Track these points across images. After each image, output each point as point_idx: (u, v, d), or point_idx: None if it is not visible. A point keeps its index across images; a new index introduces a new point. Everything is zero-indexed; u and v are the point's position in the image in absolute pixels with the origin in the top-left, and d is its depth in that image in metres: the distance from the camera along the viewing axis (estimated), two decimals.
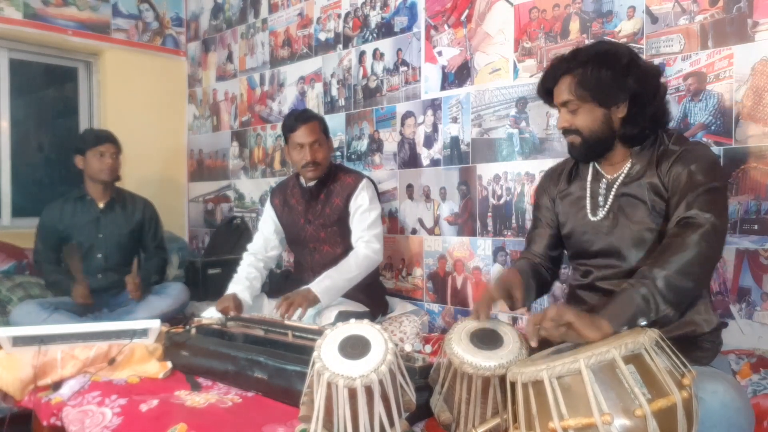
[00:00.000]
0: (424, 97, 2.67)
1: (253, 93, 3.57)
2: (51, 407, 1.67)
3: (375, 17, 2.87)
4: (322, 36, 3.13)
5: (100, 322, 2.16)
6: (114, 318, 2.48)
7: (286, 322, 1.93)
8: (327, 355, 1.20)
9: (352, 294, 2.27)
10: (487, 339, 1.31)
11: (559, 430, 1.01)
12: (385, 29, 2.82)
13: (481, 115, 2.46)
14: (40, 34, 3.39)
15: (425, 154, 2.67)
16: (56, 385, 1.77)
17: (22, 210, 3.43)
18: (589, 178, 1.50)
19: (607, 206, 1.43)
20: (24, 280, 2.86)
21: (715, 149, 1.84)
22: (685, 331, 1.32)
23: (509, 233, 2.38)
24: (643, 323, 1.16)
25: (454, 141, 2.55)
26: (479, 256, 2.48)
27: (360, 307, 2.26)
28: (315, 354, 1.21)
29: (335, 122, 3.00)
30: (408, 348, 1.52)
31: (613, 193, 1.43)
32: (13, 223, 3.41)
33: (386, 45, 2.82)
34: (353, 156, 2.98)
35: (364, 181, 2.35)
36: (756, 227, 1.79)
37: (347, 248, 2.32)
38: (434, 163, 2.64)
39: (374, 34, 2.88)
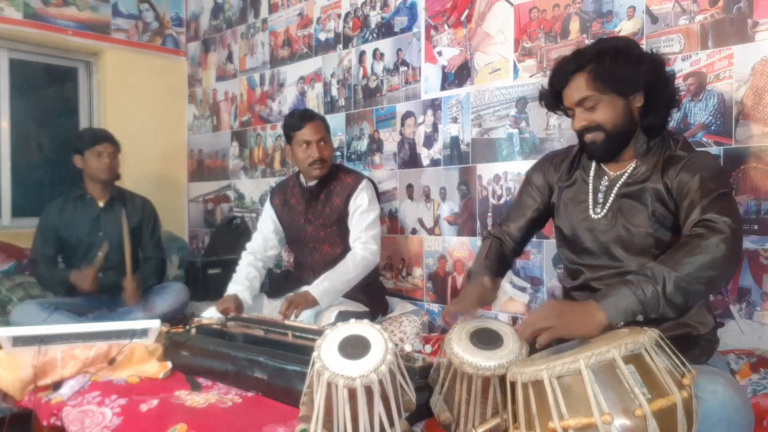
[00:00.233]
0: (424, 97, 2.67)
1: (253, 93, 3.57)
2: (51, 407, 1.67)
3: (375, 17, 2.87)
4: (322, 36, 3.13)
5: (100, 322, 2.16)
6: (114, 318, 2.48)
7: (286, 322, 1.93)
8: (327, 355, 1.20)
9: (352, 294, 2.27)
10: (487, 339, 1.30)
11: (559, 430, 1.01)
12: (385, 29, 2.82)
13: (481, 115, 2.46)
14: (40, 34, 3.39)
15: (425, 154, 2.67)
16: (56, 385, 1.77)
17: (22, 210, 3.43)
18: (592, 173, 1.49)
19: (607, 205, 1.43)
20: (24, 280, 2.86)
21: (715, 149, 1.84)
22: (681, 332, 1.32)
23: None
24: (641, 320, 1.16)
25: (454, 141, 2.55)
26: None
27: (360, 307, 2.26)
28: (315, 354, 1.21)
29: (335, 122, 3.00)
30: (408, 348, 1.52)
31: (614, 192, 1.43)
32: (13, 223, 3.41)
33: (386, 45, 2.82)
34: (353, 156, 2.98)
35: (364, 182, 2.36)
36: (756, 227, 1.79)
37: (347, 248, 2.32)
38: (434, 163, 2.64)
39: (374, 34, 2.88)
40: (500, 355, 1.25)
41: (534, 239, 1.69)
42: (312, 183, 2.37)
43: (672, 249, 1.24)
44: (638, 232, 1.37)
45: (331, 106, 3.09)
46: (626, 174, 1.42)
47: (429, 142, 2.65)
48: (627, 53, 1.36)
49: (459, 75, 2.53)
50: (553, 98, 1.48)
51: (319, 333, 1.50)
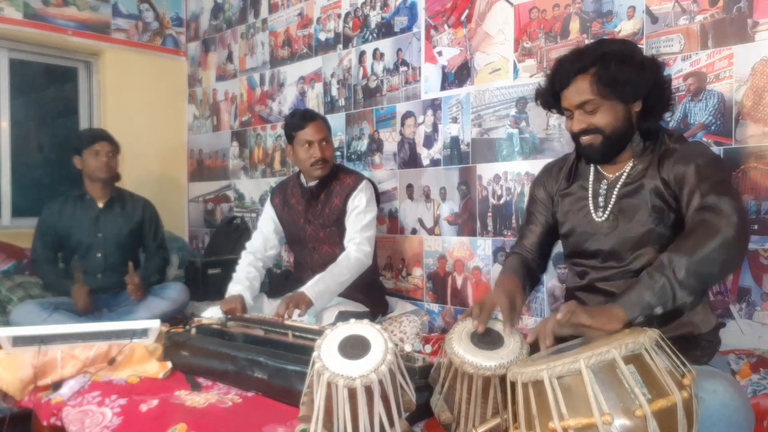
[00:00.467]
0: (424, 97, 2.67)
1: (253, 93, 3.57)
2: (51, 407, 1.67)
3: (375, 17, 2.87)
4: (322, 36, 3.13)
5: (100, 322, 2.16)
6: (114, 318, 2.48)
7: (286, 322, 1.93)
8: (327, 355, 1.20)
9: (352, 294, 2.27)
10: (487, 339, 1.31)
11: (559, 430, 1.01)
12: (385, 29, 2.82)
13: (481, 115, 2.46)
14: (40, 34, 3.39)
15: (425, 154, 2.67)
16: (56, 385, 1.77)
17: (22, 210, 3.43)
18: (591, 178, 1.49)
19: (608, 207, 1.43)
20: (24, 280, 2.86)
21: (715, 149, 1.84)
22: (683, 331, 1.32)
23: (509, 233, 2.38)
24: (660, 311, 1.16)
25: (454, 141, 2.55)
26: (479, 256, 2.48)
27: (360, 307, 2.26)
28: (315, 354, 1.21)
29: (335, 122, 3.00)
30: (408, 348, 1.52)
31: (614, 194, 1.43)
32: (13, 223, 3.41)
33: (386, 45, 2.82)
34: (353, 156, 2.98)
35: (364, 183, 2.36)
36: (756, 227, 1.79)
37: None
38: (434, 163, 2.64)
39: (374, 34, 2.88)
40: (501, 355, 1.25)
41: (552, 252, 1.68)
42: (312, 183, 2.37)
43: (680, 236, 1.24)
44: (640, 230, 1.37)
45: (331, 106, 3.09)
46: (624, 174, 1.43)
47: (429, 142, 2.65)
48: (631, 58, 1.35)
49: (459, 75, 2.53)
50: (551, 97, 1.47)
51: (319, 333, 1.50)
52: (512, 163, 2.37)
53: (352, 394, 1.15)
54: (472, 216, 2.51)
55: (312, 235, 2.38)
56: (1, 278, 2.85)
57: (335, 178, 2.38)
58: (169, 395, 1.65)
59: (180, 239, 3.78)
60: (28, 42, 3.41)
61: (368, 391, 1.15)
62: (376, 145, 2.88)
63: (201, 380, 1.77)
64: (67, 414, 1.61)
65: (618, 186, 1.42)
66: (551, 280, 2.26)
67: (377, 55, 2.86)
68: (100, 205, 2.73)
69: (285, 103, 3.35)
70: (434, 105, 2.62)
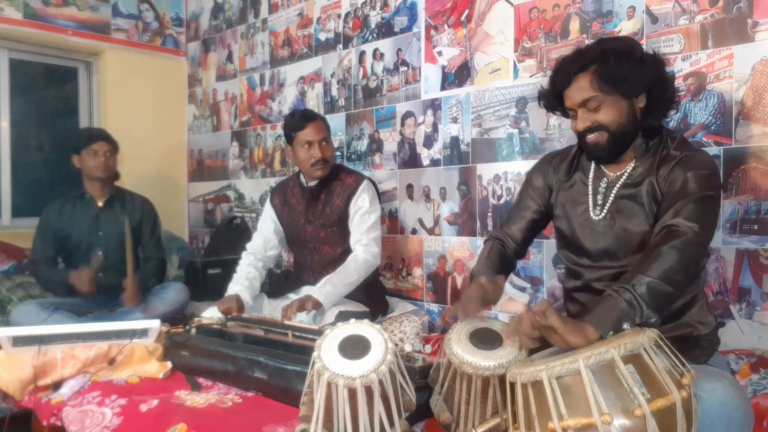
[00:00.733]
0: (424, 97, 2.67)
1: (253, 93, 3.57)
2: (51, 407, 1.67)
3: (375, 17, 2.87)
4: (322, 36, 3.13)
5: (100, 322, 2.16)
6: (114, 318, 2.47)
7: (286, 322, 1.93)
8: (327, 355, 1.20)
9: (352, 294, 2.26)
10: (486, 339, 1.31)
11: (558, 430, 1.01)
12: (385, 29, 2.82)
13: (481, 115, 2.46)
14: (40, 34, 3.39)
15: (425, 154, 2.67)
16: (56, 385, 1.77)
17: (22, 210, 3.43)
18: (591, 174, 1.49)
19: (606, 206, 1.43)
20: (24, 280, 2.86)
21: (715, 149, 1.84)
22: (682, 332, 1.32)
23: None
24: (628, 327, 1.16)
25: (454, 141, 2.55)
26: None
27: (360, 307, 2.26)
28: (315, 354, 1.21)
29: (335, 122, 3.00)
30: (408, 348, 1.52)
31: (613, 193, 1.43)
32: (13, 223, 3.41)
33: (386, 45, 2.82)
34: (353, 156, 2.98)
35: (365, 183, 2.35)
36: (756, 227, 1.79)
37: (347, 248, 2.32)
38: (434, 163, 2.64)
39: (374, 34, 2.88)
40: (500, 355, 1.25)
41: (534, 239, 1.69)
42: (312, 183, 2.37)
43: (641, 257, 1.27)
44: (636, 232, 1.37)
45: (331, 106, 3.10)
46: (625, 175, 1.42)
47: (429, 142, 2.65)
48: (630, 54, 1.35)
49: (459, 75, 2.53)
50: (554, 98, 1.47)
51: (319, 333, 1.50)
52: (512, 163, 2.37)
53: (352, 394, 1.15)
54: (472, 216, 2.51)
55: (312, 235, 2.38)
56: (1, 278, 2.85)
57: (336, 178, 2.38)
58: (169, 395, 1.65)
59: (180, 239, 3.78)
60: (28, 42, 3.41)
61: (368, 391, 1.15)
62: (376, 145, 2.88)
63: (201, 380, 1.77)
64: (67, 414, 1.61)
65: (618, 186, 1.42)
66: (551, 280, 2.26)
67: (377, 55, 2.86)
68: (100, 204, 2.73)
69: (285, 103, 3.35)
70: (434, 105, 2.62)
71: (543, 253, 2.27)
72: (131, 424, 1.50)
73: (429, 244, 2.67)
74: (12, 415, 1.89)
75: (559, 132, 2.23)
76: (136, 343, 1.88)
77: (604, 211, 1.43)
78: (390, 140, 2.81)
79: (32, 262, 2.76)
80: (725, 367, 1.44)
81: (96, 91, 3.73)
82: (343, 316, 2.02)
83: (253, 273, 2.40)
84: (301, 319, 2.05)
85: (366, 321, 1.30)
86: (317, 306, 2.10)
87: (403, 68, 2.75)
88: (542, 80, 1.52)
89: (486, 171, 2.45)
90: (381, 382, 1.16)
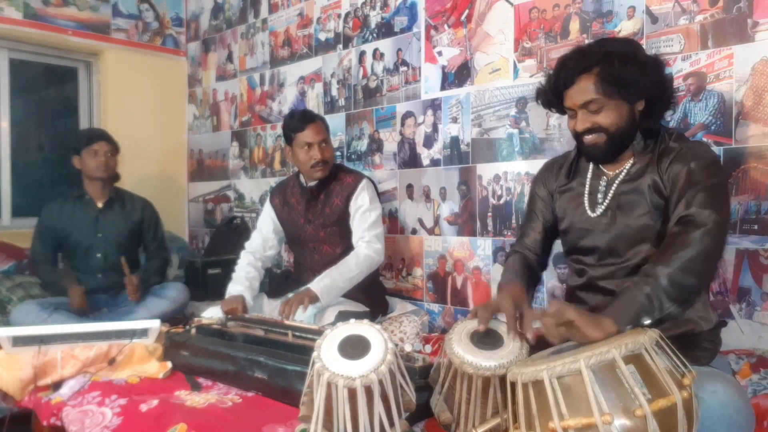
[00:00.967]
0: (424, 97, 2.67)
1: (253, 93, 3.57)
2: (51, 407, 1.67)
3: (375, 17, 2.87)
4: (322, 36, 3.13)
5: (100, 322, 2.16)
6: (114, 318, 2.47)
7: (286, 322, 1.93)
8: (327, 355, 1.19)
9: (352, 294, 2.27)
10: (487, 339, 1.30)
11: (559, 430, 1.01)
12: (385, 29, 2.82)
13: (481, 115, 2.46)
14: (40, 34, 3.39)
15: (425, 154, 2.67)
16: (56, 385, 1.77)
17: (22, 210, 3.43)
18: (589, 174, 1.49)
19: (605, 203, 1.43)
20: (24, 280, 2.86)
21: (715, 149, 1.84)
22: (684, 329, 1.32)
23: (509, 233, 2.38)
24: (648, 321, 1.16)
25: (454, 141, 2.55)
26: (479, 256, 2.48)
27: (360, 307, 2.26)
28: (315, 354, 1.21)
29: (335, 122, 3.00)
30: (408, 348, 1.52)
31: (612, 190, 1.43)
32: (13, 223, 3.41)
33: (386, 45, 2.82)
34: (353, 156, 2.98)
35: (364, 181, 2.35)
36: (756, 227, 1.79)
37: (347, 248, 2.32)
38: (434, 163, 2.64)
39: (374, 34, 2.88)
40: (500, 355, 1.25)
41: (552, 249, 1.69)
42: (312, 183, 2.37)
43: (660, 247, 1.26)
44: (638, 226, 1.37)
45: (331, 106, 3.09)
46: (624, 172, 1.43)
47: (429, 142, 2.65)
48: (634, 57, 1.35)
49: (459, 75, 2.53)
50: (554, 96, 1.46)
51: (319, 333, 1.50)
52: (512, 163, 2.37)
53: (352, 394, 1.15)
54: (472, 216, 2.51)
55: (312, 235, 2.38)
56: (1, 278, 2.85)
57: (335, 178, 2.38)
58: (169, 395, 1.65)
59: (180, 239, 3.78)
60: (28, 42, 3.41)
61: (368, 391, 1.15)
62: (376, 145, 2.88)
63: (201, 380, 1.77)
64: (67, 414, 1.61)
65: (617, 183, 1.42)
66: (551, 280, 2.26)
67: (377, 55, 2.86)
68: (100, 205, 2.73)
69: (285, 103, 3.35)
70: (434, 105, 2.62)
71: None
72: (131, 424, 1.50)
73: (429, 244, 2.67)
74: (12, 415, 1.89)
75: (559, 132, 2.23)
76: (136, 343, 1.87)
77: (605, 208, 1.43)
78: (390, 140, 2.81)
79: (31, 262, 2.76)
80: (727, 369, 1.44)
81: (96, 91, 3.73)
82: (343, 316, 2.02)
83: (253, 273, 2.40)
84: (301, 319, 2.05)
85: (366, 321, 1.30)
86: (314, 300, 2.09)
87: (403, 68, 2.75)
88: (543, 80, 1.51)
89: (486, 171, 2.45)
90: (381, 382, 1.16)
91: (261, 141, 3.51)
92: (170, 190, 3.93)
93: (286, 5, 3.34)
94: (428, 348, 1.72)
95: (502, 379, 1.21)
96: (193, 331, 1.98)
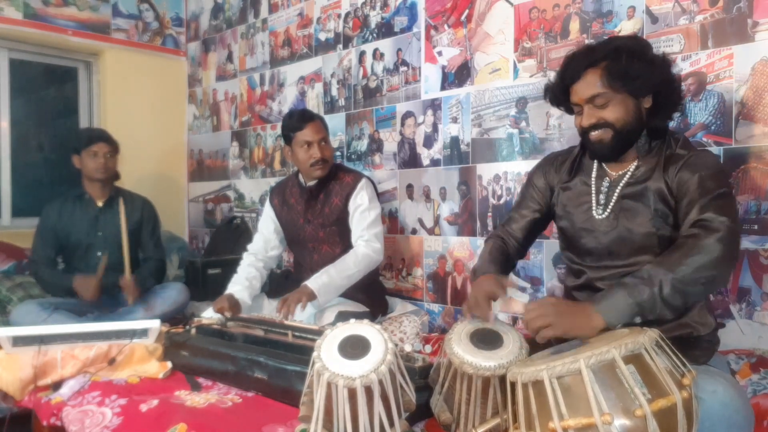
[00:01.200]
0: (424, 97, 2.67)
1: (253, 93, 3.57)
2: (51, 407, 1.67)
3: (375, 17, 2.87)
4: (322, 36, 3.13)
5: (100, 322, 2.16)
6: (114, 318, 2.47)
7: (286, 322, 1.93)
8: (327, 355, 1.20)
9: (352, 294, 2.27)
10: (487, 339, 1.31)
11: (559, 430, 1.01)
12: (385, 29, 2.82)
13: (481, 115, 2.46)
14: (40, 34, 3.39)
15: (425, 154, 2.67)
16: (56, 385, 1.77)
17: (22, 210, 3.43)
18: (594, 174, 1.49)
19: (609, 206, 1.43)
20: (24, 280, 2.86)
21: (715, 149, 1.84)
22: (682, 333, 1.32)
23: None
24: (638, 321, 1.16)
25: (454, 141, 2.55)
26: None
27: (360, 307, 2.26)
28: (315, 354, 1.21)
29: (335, 122, 3.00)
30: (408, 348, 1.52)
31: (616, 193, 1.42)
32: (13, 223, 3.41)
33: (386, 45, 2.82)
34: (353, 156, 2.98)
35: (363, 181, 2.36)
36: (756, 227, 1.79)
37: (346, 248, 2.32)
38: (434, 163, 2.64)
39: (374, 34, 2.88)
40: (500, 355, 1.25)
41: (535, 240, 1.69)
42: (311, 183, 2.37)
43: (669, 250, 1.25)
44: (641, 232, 1.37)
45: (331, 106, 3.09)
46: (628, 174, 1.42)
47: (429, 142, 2.65)
48: (642, 53, 1.35)
49: (459, 75, 2.53)
50: (560, 92, 1.46)
51: (319, 333, 1.50)
52: (512, 163, 2.37)
53: (352, 394, 1.15)
54: (472, 216, 2.51)
55: (312, 235, 2.38)
56: (1, 278, 2.85)
57: (334, 178, 2.38)
58: (169, 395, 1.65)
59: (180, 239, 3.78)
60: (28, 42, 3.41)
61: (368, 391, 1.15)
62: (376, 145, 2.88)
63: (201, 380, 1.77)
64: (67, 414, 1.61)
65: (621, 185, 1.42)
66: (551, 280, 2.26)
67: (377, 55, 2.86)
68: (100, 204, 2.73)
69: (285, 103, 3.35)
70: (434, 105, 2.62)
71: (543, 253, 2.27)
72: (131, 424, 1.50)
73: (429, 244, 2.67)
74: (12, 415, 1.89)
75: (559, 132, 2.23)
76: (136, 343, 1.88)
77: (608, 210, 1.42)
78: (390, 140, 2.81)
79: (32, 263, 2.76)
80: (725, 368, 1.44)
81: (96, 91, 3.73)
82: (342, 316, 2.02)
83: (253, 273, 2.40)
84: (300, 319, 2.05)
85: (366, 321, 1.30)
86: (312, 298, 2.09)
87: (403, 68, 2.75)
88: (543, 79, 1.51)
89: (486, 171, 2.45)
90: (381, 382, 1.16)
91: (261, 141, 3.52)
92: (170, 190, 3.93)
93: (286, 5, 3.34)
94: (428, 348, 1.72)
95: (502, 379, 1.21)
96: (193, 331, 1.98)
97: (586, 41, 2.11)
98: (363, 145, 2.94)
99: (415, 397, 1.28)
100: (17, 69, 3.46)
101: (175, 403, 1.58)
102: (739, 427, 1.10)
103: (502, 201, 2.41)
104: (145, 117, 3.80)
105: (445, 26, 2.57)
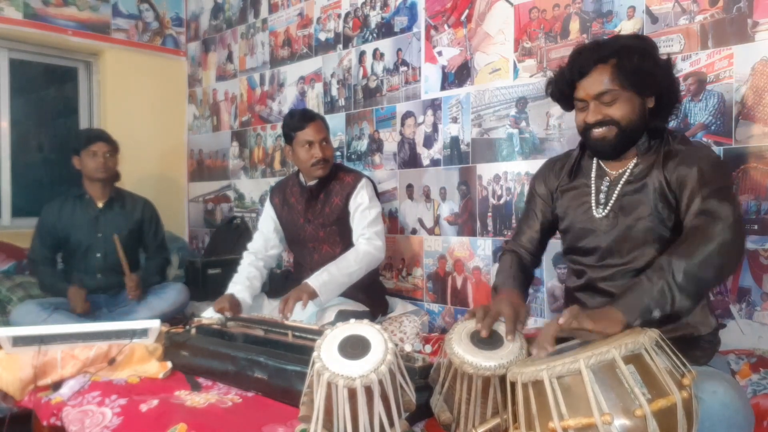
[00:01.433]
0: (424, 97, 2.67)
1: (253, 93, 3.57)
2: (51, 407, 1.67)
3: (375, 17, 2.87)
4: (322, 36, 3.13)
5: (100, 322, 2.16)
6: (114, 318, 2.48)
7: (286, 322, 1.92)
8: (327, 355, 1.19)
9: (352, 293, 2.26)
10: (487, 339, 1.30)
11: (559, 430, 1.01)
12: (385, 29, 2.82)
13: (481, 115, 2.46)
14: (40, 34, 3.39)
15: (425, 154, 2.67)
16: (56, 385, 1.77)
17: (22, 210, 3.43)
18: (593, 174, 1.49)
19: (609, 205, 1.43)
20: (24, 280, 2.86)
21: (715, 149, 1.84)
22: (683, 333, 1.32)
23: (509, 233, 2.38)
24: (658, 315, 1.15)
25: (454, 141, 2.55)
26: (479, 256, 2.48)
27: (360, 307, 2.25)
28: (315, 354, 1.21)
29: (335, 122, 3.00)
30: (408, 348, 1.52)
31: (616, 191, 1.43)
32: (13, 223, 3.41)
33: (386, 45, 2.82)
34: (353, 156, 2.98)
35: (363, 180, 2.36)
36: (756, 227, 1.79)
37: (346, 248, 2.31)
38: (434, 163, 2.64)
39: (374, 34, 2.88)
40: (500, 355, 1.25)
41: (547, 246, 1.69)
42: (312, 182, 2.37)
43: (678, 240, 1.24)
44: (640, 229, 1.37)
45: (331, 106, 3.09)
46: (627, 172, 1.42)
47: (429, 142, 2.65)
48: (650, 53, 1.36)
49: (459, 75, 2.53)
50: (566, 87, 1.44)
51: (319, 333, 1.50)
52: (512, 163, 2.37)
53: (352, 394, 1.15)
54: (472, 216, 2.51)
55: (312, 235, 2.38)
56: (1, 278, 2.85)
57: (334, 178, 2.38)
58: (169, 395, 1.65)
59: (180, 239, 3.78)
60: (28, 42, 3.41)
61: (368, 391, 1.15)
62: (376, 145, 2.88)
63: (201, 380, 1.77)
64: (67, 414, 1.61)
65: (621, 183, 1.42)
66: (551, 280, 2.26)
67: (377, 55, 2.86)
68: (100, 205, 2.73)
69: (285, 103, 3.35)
70: (434, 105, 2.62)
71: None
72: (131, 424, 1.50)
73: (429, 244, 2.67)
74: (12, 415, 1.89)
75: (559, 132, 2.23)
76: (136, 343, 1.87)
77: (608, 209, 1.43)
78: (390, 140, 2.81)
79: (30, 261, 2.76)
80: (725, 368, 1.44)
81: (96, 91, 3.73)
82: (342, 316, 2.02)
83: (254, 272, 2.39)
84: (301, 319, 2.05)
85: (366, 321, 1.30)
86: (313, 296, 2.09)
87: (403, 68, 2.75)
88: (542, 80, 1.51)
89: (486, 171, 2.45)
90: (381, 382, 1.16)
91: (261, 141, 3.52)
92: (170, 190, 3.93)
93: (286, 5, 3.34)
94: (428, 348, 1.72)
95: (502, 379, 1.21)
96: (193, 331, 1.97)
97: (586, 41, 2.11)
98: (363, 145, 2.94)
99: (415, 397, 1.28)
100: (17, 69, 3.46)
101: (175, 403, 1.58)
102: (739, 427, 1.10)
103: (502, 201, 2.41)
104: (145, 117, 3.80)
105: (445, 26, 2.57)
